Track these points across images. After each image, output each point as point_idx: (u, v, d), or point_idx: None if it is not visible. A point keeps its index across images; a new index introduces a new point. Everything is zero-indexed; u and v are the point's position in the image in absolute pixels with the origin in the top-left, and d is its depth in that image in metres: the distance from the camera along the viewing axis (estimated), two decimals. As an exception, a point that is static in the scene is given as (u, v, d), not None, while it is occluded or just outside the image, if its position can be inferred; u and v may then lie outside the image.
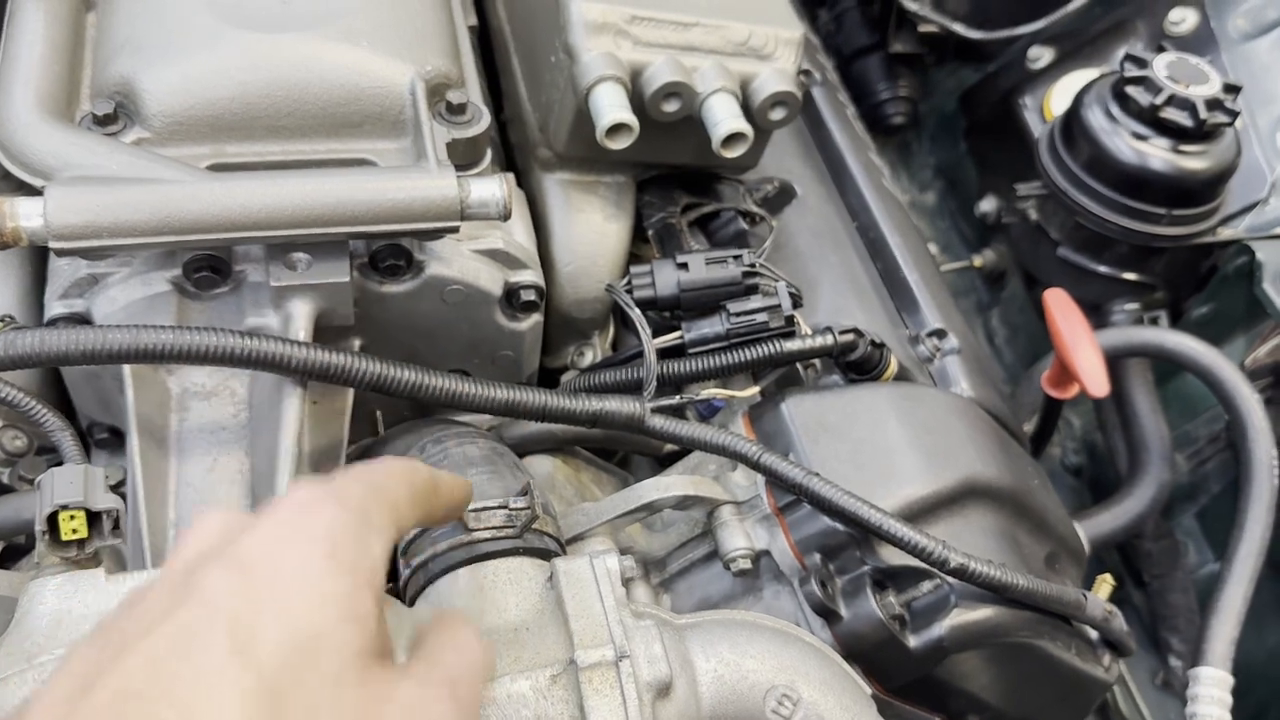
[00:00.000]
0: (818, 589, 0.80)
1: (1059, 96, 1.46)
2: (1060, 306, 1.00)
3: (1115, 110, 1.19)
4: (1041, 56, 1.59)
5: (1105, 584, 0.92)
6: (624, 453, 1.07)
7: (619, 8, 0.93)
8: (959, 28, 1.51)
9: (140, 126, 0.82)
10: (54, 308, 0.82)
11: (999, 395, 1.06)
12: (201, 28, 0.84)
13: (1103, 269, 1.25)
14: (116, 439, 0.90)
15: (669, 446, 1.00)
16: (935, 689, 0.85)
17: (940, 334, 1.05)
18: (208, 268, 0.80)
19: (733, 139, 0.92)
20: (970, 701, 0.89)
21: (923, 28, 1.58)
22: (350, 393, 0.85)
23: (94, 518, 0.65)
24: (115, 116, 0.81)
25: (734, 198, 1.11)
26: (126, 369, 0.78)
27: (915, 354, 1.04)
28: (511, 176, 0.99)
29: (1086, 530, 1.18)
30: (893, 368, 0.95)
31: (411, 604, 0.74)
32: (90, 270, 0.82)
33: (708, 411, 0.97)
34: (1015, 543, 0.89)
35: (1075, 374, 0.98)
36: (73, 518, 0.65)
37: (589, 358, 1.05)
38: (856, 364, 0.94)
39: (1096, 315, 1.27)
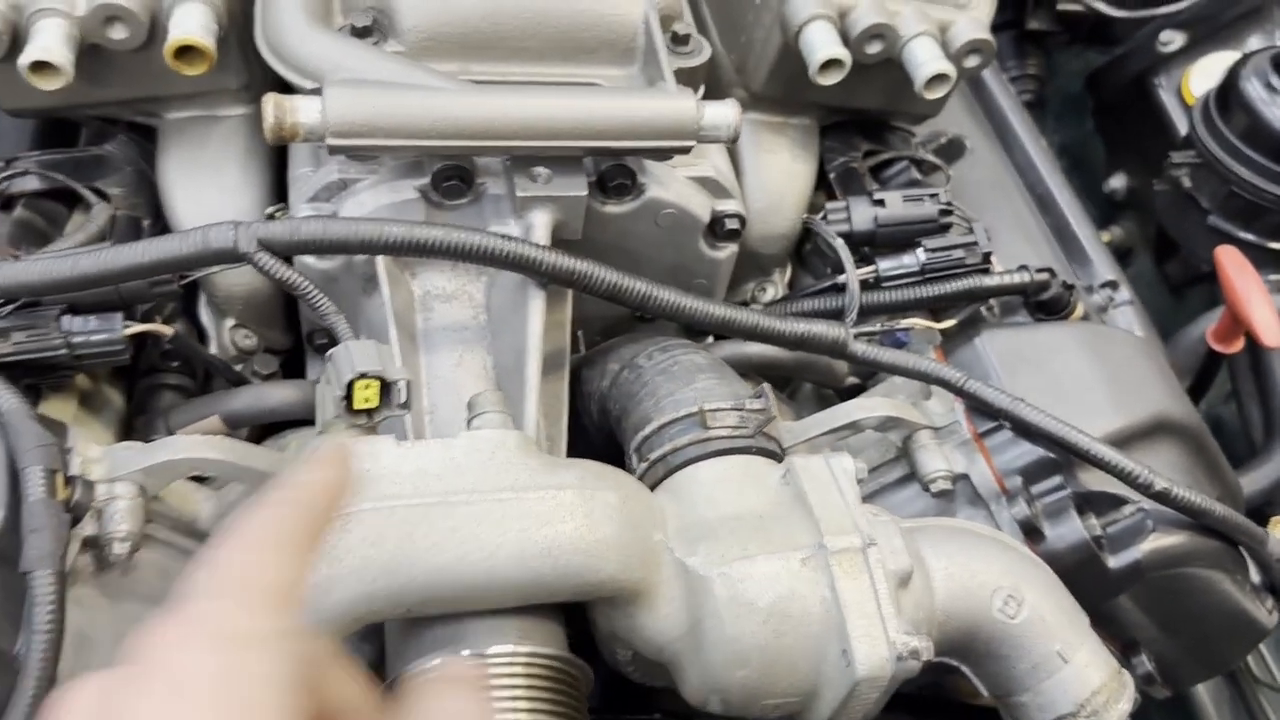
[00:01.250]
0: (1026, 507, 0.83)
1: (1198, 77, 1.48)
2: (1233, 261, 1.03)
3: (1275, 81, 1.22)
4: (1174, 40, 1.61)
5: (1279, 526, 0.95)
6: (794, 385, 1.11)
7: (825, -49, 0.97)
8: (1102, 6, 1.54)
9: (394, 40, 0.86)
10: (302, 210, 0.87)
11: (1163, 343, 1.09)
12: (452, -50, 0.88)
13: (1251, 237, 1.27)
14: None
15: (850, 379, 1.04)
16: (1114, 612, 0.88)
17: (1113, 285, 1.08)
18: (456, 177, 0.84)
19: (936, 80, 0.96)
20: (1141, 628, 0.92)
21: (1061, 5, 1.60)
22: (570, 305, 0.89)
23: (385, 388, 0.70)
24: (372, 29, 0.86)
25: (908, 148, 1.14)
26: (381, 267, 0.83)
27: (1091, 302, 1.07)
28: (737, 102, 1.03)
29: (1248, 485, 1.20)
30: (1079, 310, 0.98)
31: (653, 489, 0.77)
32: (340, 175, 0.86)
33: (893, 344, 1.01)
34: (1196, 480, 0.93)
35: (1250, 324, 1.01)
36: (367, 387, 0.69)
37: (770, 294, 1.09)
38: (1047, 304, 0.97)
39: (1242, 284, 1.29)
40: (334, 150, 0.79)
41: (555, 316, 0.89)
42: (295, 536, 0.46)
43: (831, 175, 1.09)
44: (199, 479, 0.81)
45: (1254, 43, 1.55)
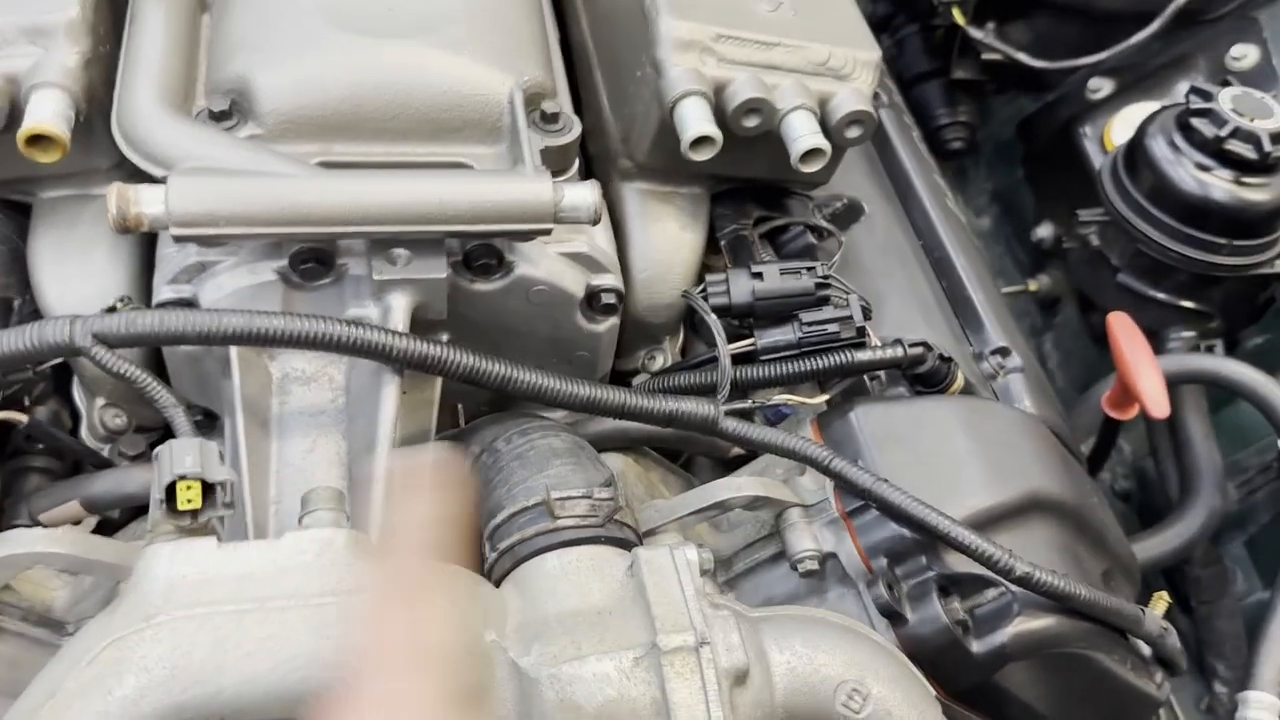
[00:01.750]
0: (885, 592, 0.83)
1: (1120, 126, 1.48)
2: (1124, 329, 1.03)
3: (1179, 141, 1.22)
4: (1102, 88, 1.61)
5: (1161, 601, 0.94)
6: (688, 455, 1.10)
7: (706, 26, 0.97)
8: (1023, 57, 1.54)
9: (253, 123, 0.86)
10: (163, 292, 0.86)
11: (1059, 415, 1.08)
12: (313, 31, 0.88)
13: (1161, 296, 1.27)
14: (210, 422, 0.94)
15: (735, 451, 1.03)
16: (994, 696, 0.87)
17: (1004, 352, 1.07)
18: (313, 259, 0.84)
19: (811, 154, 0.95)
20: (1025, 712, 0.90)
21: (986, 55, 1.60)
22: (438, 384, 0.89)
23: (208, 489, 0.69)
24: (230, 113, 0.86)
25: (803, 213, 1.14)
26: (233, 353, 0.82)
27: (979, 371, 1.07)
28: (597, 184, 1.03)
29: (1136, 553, 1.20)
30: (959, 382, 0.98)
31: (498, 584, 0.77)
32: (199, 258, 0.86)
33: (776, 417, 1.00)
34: (1075, 557, 0.92)
35: (1138, 395, 1.00)
36: (189, 488, 0.68)
37: (660, 362, 1.08)
38: (924, 377, 0.97)
39: (1153, 342, 1.28)
40: (179, 239, 0.78)
41: (421, 395, 0.88)
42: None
43: (722, 243, 1.08)
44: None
45: (1180, 90, 1.55)
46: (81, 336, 0.74)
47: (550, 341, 0.97)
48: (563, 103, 0.96)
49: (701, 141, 0.93)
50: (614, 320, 0.97)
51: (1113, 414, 1.10)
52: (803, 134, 0.95)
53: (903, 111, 1.36)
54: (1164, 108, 1.28)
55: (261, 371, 0.85)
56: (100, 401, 0.94)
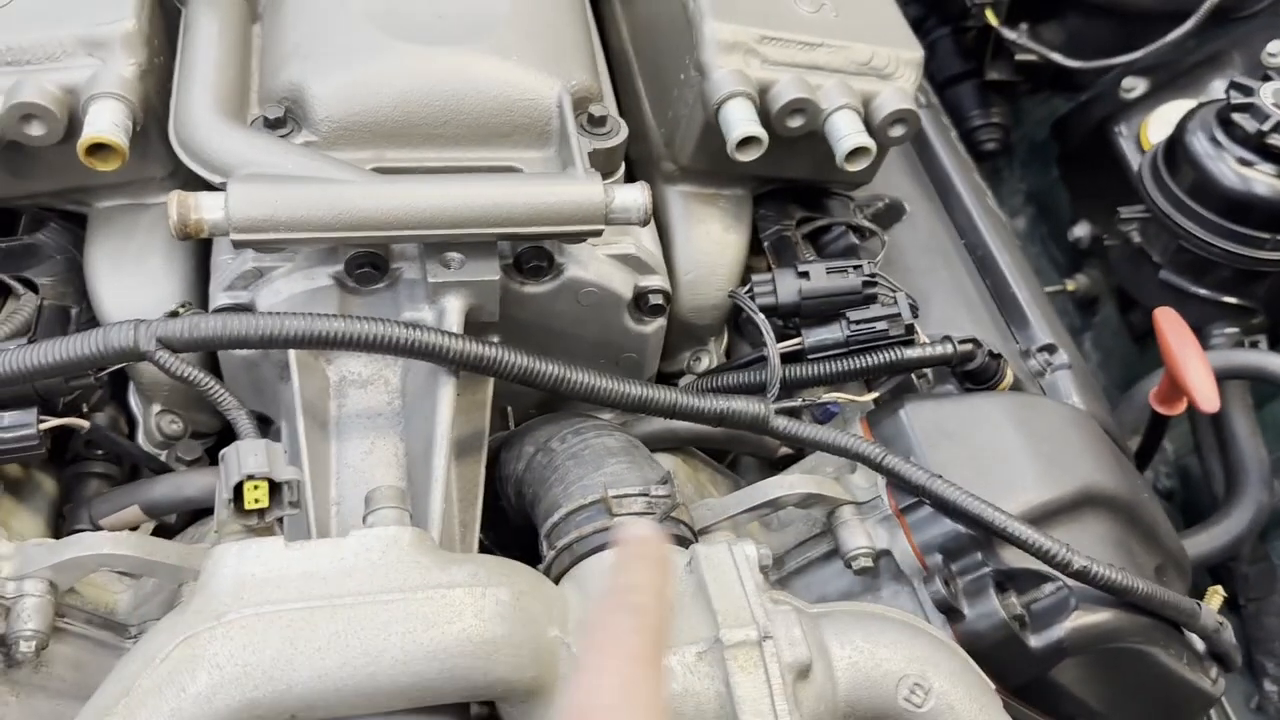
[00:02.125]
0: (942, 587, 0.83)
1: (1156, 125, 1.48)
2: (1171, 325, 1.03)
3: (1220, 136, 1.21)
4: (1136, 87, 1.61)
5: (1216, 595, 0.93)
6: (735, 455, 1.10)
7: (749, 28, 0.97)
8: (1057, 57, 1.54)
9: (308, 130, 0.87)
10: (219, 299, 0.87)
11: (1106, 411, 1.08)
12: (365, 38, 0.89)
13: (1204, 292, 1.26)
14: (265, 426, 0.95)
15: (783, 450, 1.03)
16: (1049, 692, 0.87)
17: (1051, 349, 1.07)
18: (369, 264, 0.85)
19: (856, 153, 0.96)
20: (1081, 706, 0.90)
21: (1020, 56, 1.60)
22: (490, 385, 0.90)
23: (275, 488, 0.70)
24: (285, 120, 0.87)
25: (844, 213, 1.14)
26: (292, 357, 0.83)
27: (1027, 368, 1.07)
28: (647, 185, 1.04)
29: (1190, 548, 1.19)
30: (1009, 378, 0.98)
31: (557, 582, 0.77)
32: (255, 264, 0.87)
33: (824, 416, 1.00)
34: (1129, 552, 0.91)
35: (1187, 389, 1.00)
36: (256, 487, 0.69)
37: (705, 363, 1.08)
38: (974, 373, 0.97)
39: (1197, 338, 1.28)
40: (238, 245, 0.80)
41: (474, 397, 0.89)
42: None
43: (766, 244, 1.09)
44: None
45: (1216, 88, 1.54)
46: (146, 341, 0.75)
47: (598, 343, 0.97)
48: (609, 106, 0.97)
49: (748, 142, 0.93)
50: (661, 321, 0.98)
51: (1160, 409, 1.09)
52: (848, 133, 0.96)
53: (940, 112, 1.37)
54: (1203, 104, 1.28)
55: (319, 375, 0.86)
56: (157, 407, 0.95)
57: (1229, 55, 1.56)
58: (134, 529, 0.91)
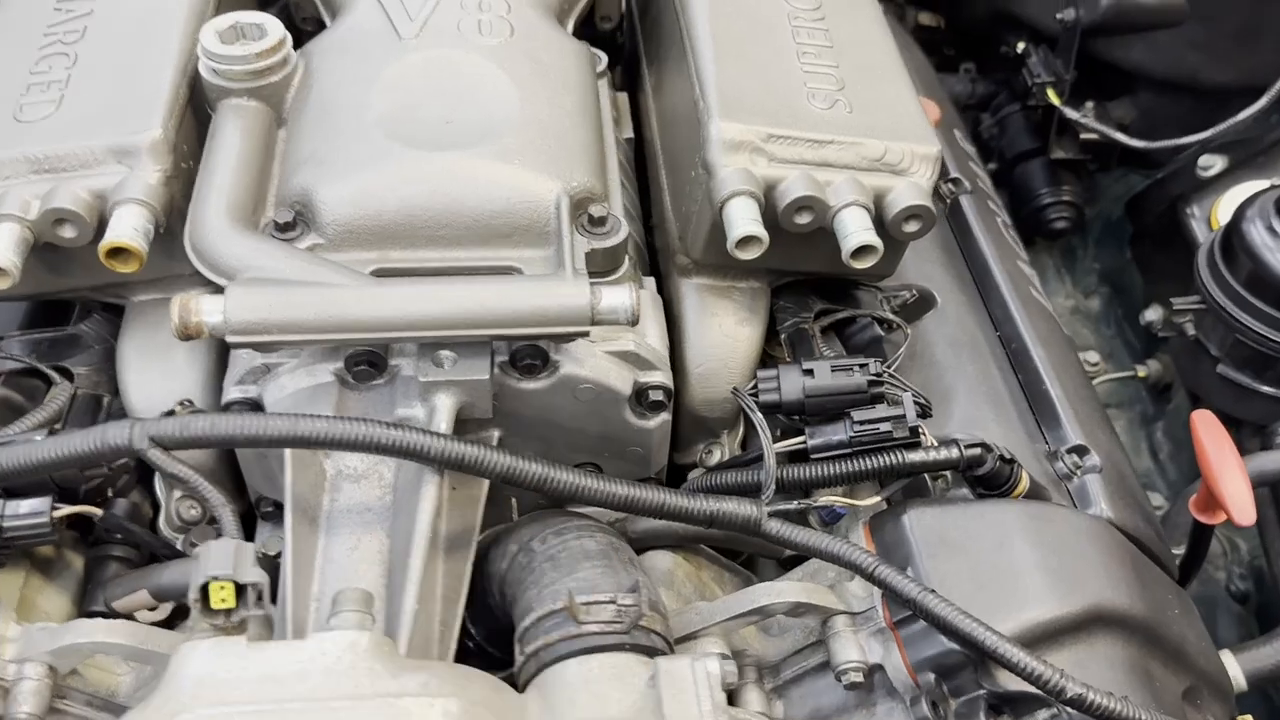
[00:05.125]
0: (928, 710, 0.79)
1: (1227, 206, 1.42)
2: (1208, 429, 0.97)
3: (1277, 225, 1.15)
4: (1214, 164, 1.54)
5: (1246, 726, 0.87)
6: (748, 553, 1.08)
7: (756, 127, 0.97)
8: (1120, 136, 1.49)
9: (315, 233, 0.91)
10: (230, 392, 0.91)
11: (1143, 517, 1.02)
12: (373, 145, 0.93)
13: (1265, 389, 1.19)
14: (280, 512, 0.98)
15: (790, 551, 1.01)
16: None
17: (1081, 450, 1.02)
18: (366, 362, 0.88)
19: (862, 251, 0.94)
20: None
21: (1085, 135, 1.56)
22: (485, 485, 0.91)
23: (241, 589, 0.72)
24: (294, 224, 0.91)
25: (871, 304, 1.12)
26: (287, 453, 0.86)
27: (1053, 470, 1.02)
28: (650, 282, 1.04)
29: (1244, 663, 1.11)
30: (1024, 484, 0.94)
31: (523, 690, 0.77)
32: (264, 360, 0.91)
33: (830, 518, 0.98)
34: (1148, 676, 0.86)
35: (1221, 501, 0.94)
36: (222, 588, 0.71)
37: (717, 456, 1.07)
38: (985, 479, 0.93)
39: (1260, 436, 1.21)
40: (234, 346, 0.83)
41: (469, 493, 0.90)
42: None
43: (782, 336, 1.07)
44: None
45: (1296, 168, 1.47)
46: (139, 439, 0.78)
47: (601, 438, 0.97)
48: (614, 204, 0.98)
49: (747, 241, 0.93)
50: (664, 416, 0.97)
51: (1200, 518, 1.03)
52: (853, 230, 0.94)
53: (988, 197, 1.33)
54: (1262, 190, 1.21)
55: (316, 469, 0.88)
56: (177, 494, 0.99)
57: (1312, 133, 1.49)
58: (153, 609, 0.94)
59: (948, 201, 1.27)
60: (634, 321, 0.86)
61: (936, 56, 1.83)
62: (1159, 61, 1.52)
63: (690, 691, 0.72)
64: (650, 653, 0.78)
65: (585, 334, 0.86)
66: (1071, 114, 1.52)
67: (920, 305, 1.14)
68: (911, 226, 0.99)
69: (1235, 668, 1.12)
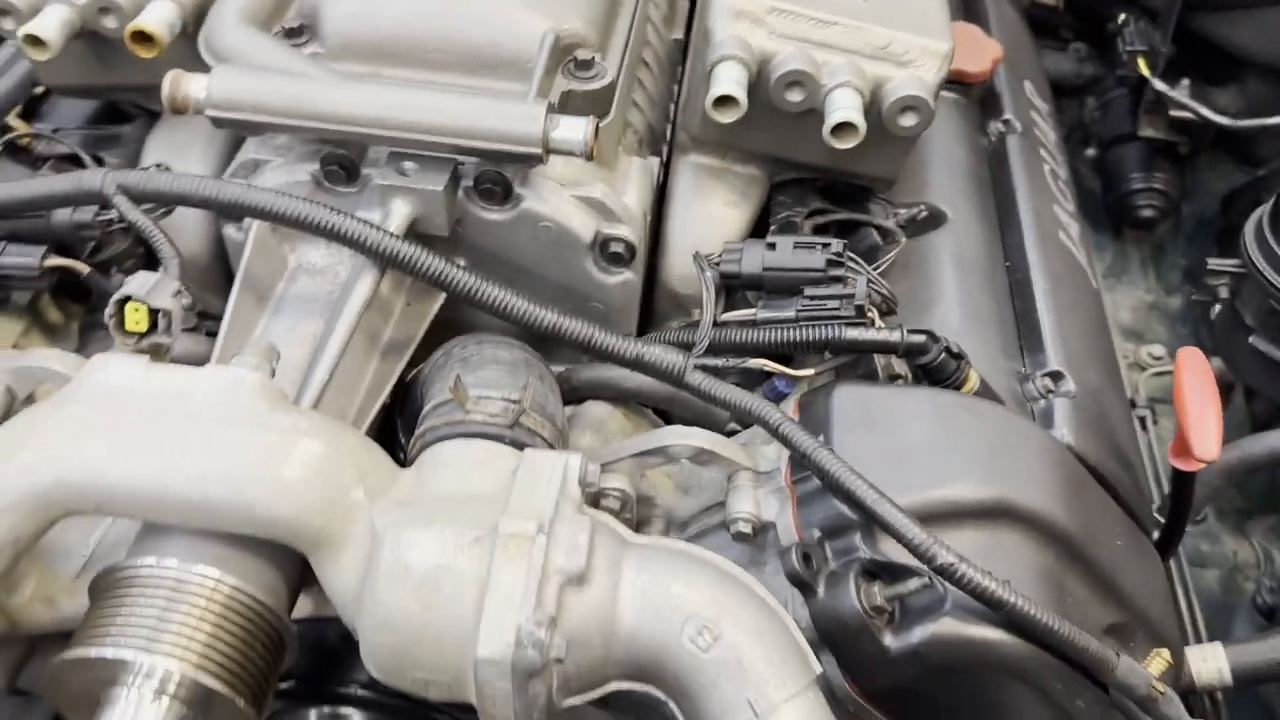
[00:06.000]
0: (798, 561, 0.77)
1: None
2: (1192, 365, 0.91)
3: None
4: (1321, 163, 1.44)
5: (1160, 658, 0.81)
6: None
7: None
8: (1206, 112, 1.40)
9: (317, 43, 0.96)
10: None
11: (1113, 456, 0.96)
12: (383, -31, 0.98)
13: (1303, 366, 1.10)
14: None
15: (732, 425, 1.00)
16: (916, 710, 0.78)
17: (1056, 376, 0.98)
18: (337, 163, 0.92)
19: (842, 129, 0.93)
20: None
21: (1175, 113, 1.47)
22: (437, 302, 0.94)
23: (154, 316, 0.77)
24: (301, 31, 0.97)
25: (879, 214, 1.10)
26: (251, 234, 0.91)
27: (1021, 390, 0.98)
28: (654, 161, 1.05)
29: (1233, 657, 1.04)
30: (972, 382, 0.90)
31: (408, 464, 0.79)
32: (255, 156, 0.96)
33: (774, 396, 0.96)
34: (1059, 588, 0.81)
35: (1185, 431, 0.88)
36: (137, 310, 0.77)
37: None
38: (929, 369, 0.90)
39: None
40: (215, 121, 0.89)
41: (420, 308, 0.94)
42: None
43: (773, 228, 1.07)
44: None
45: None
46: (109, 185, 0.85)
47: (563, 286, 0.99)
48: (610, 58, 1.00)
49: (724, 101, 0.93)
50: (627, 275, 0.98)
51: (1177, 464, 0.96)
52: (838, 108, 0.93)
53: (1041, 145, 1.28)
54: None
55: (277, 258, 0.94)
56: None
57: None
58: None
59: (993, 139, 1.24)
60: (588, 154, 0.88)
61: (1054, 39, 1.77)
62: (1268, 45, 1.43)
63: (544, 478, 0.73)
64: (523, 448, 0.79)
65: (539, 158, 0.88)
66: (1160, 85, 1.44)
67: (930, 222, 1.11)
68: (908, 120, 0.97)
69: (1223, 660, 1.05)
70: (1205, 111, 1.42)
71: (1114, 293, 1.59)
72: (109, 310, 0.78)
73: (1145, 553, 0.93)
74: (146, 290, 0.77)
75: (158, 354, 0.79)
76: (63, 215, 0.94)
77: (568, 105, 0.94)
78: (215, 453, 0.71)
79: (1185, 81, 1.47)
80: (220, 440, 0.71)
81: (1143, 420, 1.38)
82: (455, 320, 0.97)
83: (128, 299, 0.77)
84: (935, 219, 1.11)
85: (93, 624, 0.70)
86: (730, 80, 0.93)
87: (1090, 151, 1.69)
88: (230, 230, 0.99)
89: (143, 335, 0.78)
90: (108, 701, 0.68)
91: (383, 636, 0.69)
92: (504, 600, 0.66)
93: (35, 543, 0.73)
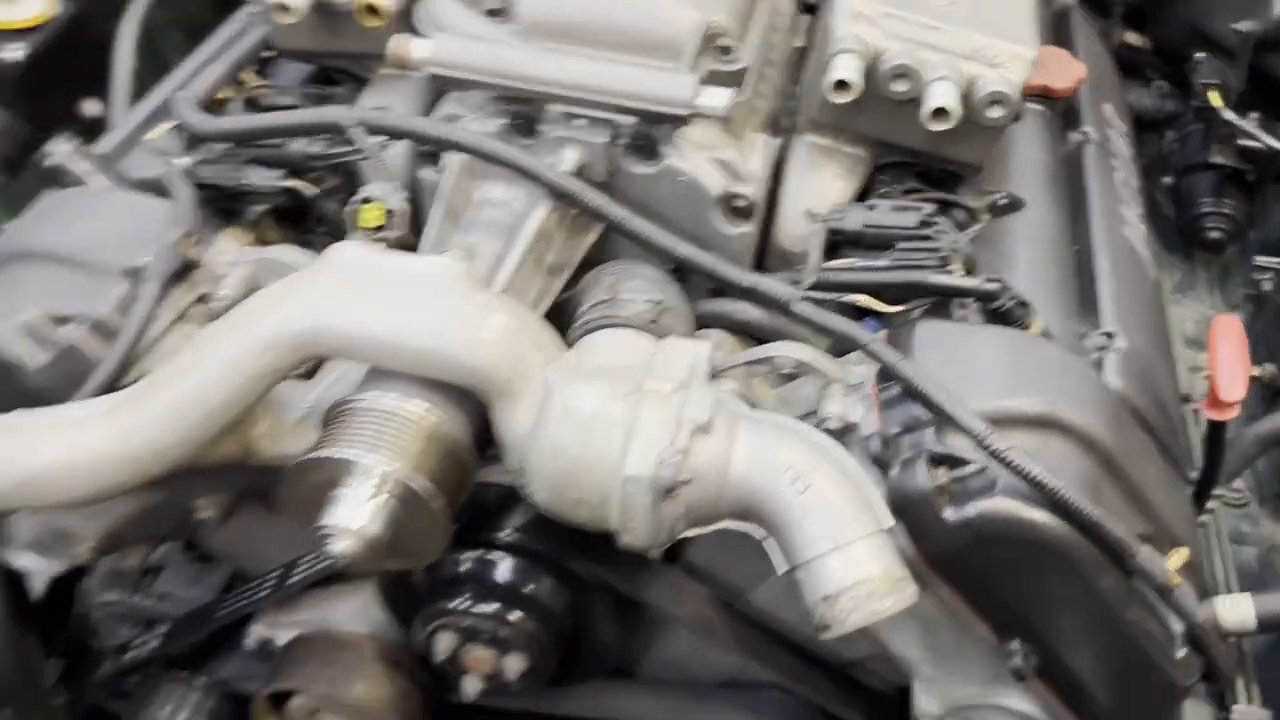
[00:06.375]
0: (880, 444, 0.95)
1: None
2: (1226, 328, 1.06)
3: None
4: (1382, 195, 1.57)
5: (1178, 556, 0.96)
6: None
7: (877, 5, 1.17)
8: (1273, 141, 1.55)
9: (513, 22, 1.18)
10: (424, 132, 1.20)
11: (1156, 406, 1.12)
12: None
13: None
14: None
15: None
16: (972, 577, 0.94)
17: (1110, 335, 1.14)
18: (522, 119, 1.14)
19: (939, 113, 1.12)
20: (1005, 607, 0.96)
21: (1243, 142, 1.63)
22: (591, 235, 1.14)
23: (389, 215, 0.99)
24: (501, 12, 1.19)
25: (967, 198, 1.28)
26: (450, 175, 1.13)
27: (1077, 345, 1.14)
28: (775, 140, 1.25)
29: (1259, 605, 1.16)
30: (1036, 327, 1.07)
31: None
32: (453, 111, 1.19)
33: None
34: (1095, 492, 0.95)
35: (1213, 375, 1.03)
36: (375, 207, 0.99)
37: (796, 288, 1.26)
38: (999, 315, 1.07)
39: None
40: (435, 79, 1.11)
41: (578, 238, 1.14)
42: None
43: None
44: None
45: None
46: (349, 119, 1.08)
47: (692, 236, 1.18)
48: (747, 47, 1.20)
49: (841, 85, 1.13)
50: (748, 227, 1.17)
51: (1211, 413, 1.10)
52: (938, 95, 1.12)
53: (1112, 156, 1.45)
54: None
55: (469, 192, 1.15)
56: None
57: None
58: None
59: (1071, 146, 1.41)
60: (727, 117, 1.08)
61: (1140, 78, 1.93)
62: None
63: (678, 358, 0.93)
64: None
65: (685, 120, 1.08)
66: (1229, 115, 1.60)
67: (1009, 207, 1.28)
68: (995, 112, 1.15)
69: (1249, 607, 1.18)
70: (1272, 141, 1.57)
71: (1180, 306, 1.73)
72: (349, 208, 1.00)
73: (1177, 486, 1.08)
74: (384, 192, 0.99)
75: (386, 244, 1.01)
76: (298, 145, 1.17)
77: (709, 82, 1.14)
78: (430, 315, 0.92)
79: (1254, 115, 1.62)
80: (434, 306, 0.92)
81: (1196, 413, 1.52)
82: (600, 261, 1.18)
83: (367, 199, 0.99)
84: (1014, 205, 1.28)
85: (324, 438, 0.91)
86: (847, 67, 1.13)
87: (1167, 180, 1.84)
88: (428, 172, 1.20)
89: (377, 230, 1.00)
90: (332, 501, 0.89)
91: (550, 464, 0.89)
92: (647, 436, 0.86)
93: (286, 378, 0.94)
